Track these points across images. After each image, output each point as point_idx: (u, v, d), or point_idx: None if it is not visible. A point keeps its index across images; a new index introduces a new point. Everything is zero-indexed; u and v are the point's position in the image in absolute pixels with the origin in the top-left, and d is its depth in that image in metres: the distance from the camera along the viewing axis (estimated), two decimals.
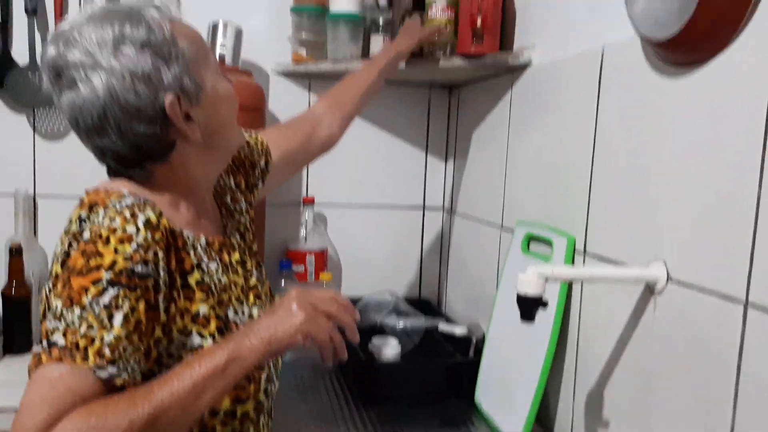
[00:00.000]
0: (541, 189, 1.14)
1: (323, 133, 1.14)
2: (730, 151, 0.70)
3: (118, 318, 0.65)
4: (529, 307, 0.78)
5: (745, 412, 0.67)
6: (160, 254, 0.71)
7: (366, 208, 1.65)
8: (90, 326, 0.63)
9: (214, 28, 1.41)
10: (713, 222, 0.72)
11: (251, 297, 0.85)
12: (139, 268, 0.67)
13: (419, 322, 1.37)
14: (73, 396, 0.60)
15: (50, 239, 1.45)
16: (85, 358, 0.62)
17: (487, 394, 1.15)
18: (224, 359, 0.67)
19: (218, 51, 1.40)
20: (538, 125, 1.15)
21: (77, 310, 0.64)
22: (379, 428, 1.07)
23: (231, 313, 0.79)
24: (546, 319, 1.00)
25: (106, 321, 0.64)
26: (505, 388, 1.09)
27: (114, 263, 0.66)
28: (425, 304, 1.59)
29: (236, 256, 0.86)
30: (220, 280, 0.80)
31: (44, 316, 0.67)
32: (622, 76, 0.90)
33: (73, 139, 0.79)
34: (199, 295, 0.75)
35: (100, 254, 0.66)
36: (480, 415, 1.13)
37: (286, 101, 1.56)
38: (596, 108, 0.96)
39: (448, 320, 1.43)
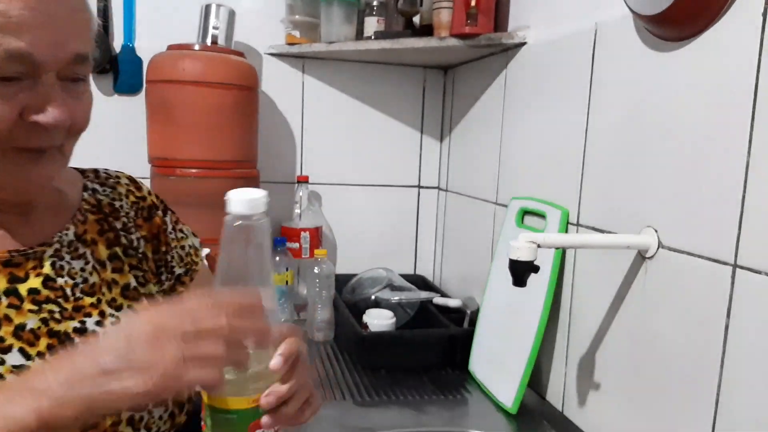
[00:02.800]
0: (535, 165, 1.17)
1: None
2: (719, 120, 0.73)
3: None
4: (520, 272, 0.81)
5: (731, 370, 0.70)
6: None
7: (361, 186, 1.67)
8: None
9: (207, 10, 1.41)
10: (702, 190, 0.75)
11: (42, 343, 0.59)
12: None
13: (414, 295, 1.40)
14: None
15: None
16: None
17: (480, 363, 1.18)
18: None
19: (210, 32, 1.41)
20: (533, 103, 1.18)
21: None
22: (374, 394, 1.10)
23: None
24: (539, 287, 1.03)
25: None
26: (498, 356, 1.12)
27: None
28: (420, 280, 1.62)
29: (34, 283, 0.61)
30: None
31: None
32: (614, 52, 0.93)
33: None
34: None
35: None
36: (474, 383, 1.17)
37: (280, 82, 1.58)
38: (590, 84, 0.99)
39: (443, 295, 1.46)
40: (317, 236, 1.57)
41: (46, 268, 0.62)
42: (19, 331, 0.58)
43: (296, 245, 1.54)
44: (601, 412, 0.95)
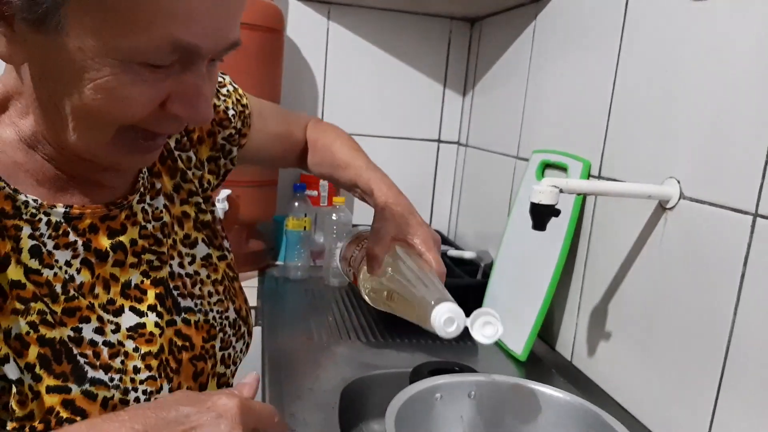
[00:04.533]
0: (559, 118, 1.16)
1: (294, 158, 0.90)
2: (748, 70, 0.72)
3: None
4: (541, 216, 0.81)
5: (743, 319, 0.71)
6: None
7: (381, 138, 1.68)
8: None
9: None
10: (728, 140, 0.74)
11: (150, 296, 0.57)
12: None
13: None
14: None
15: None
16: None
17: None
18: None
19: None
20: (561, 55, 1.17)
21: None
22: (387, 337, 1.12)
23: (89, 331, 0.51)
24: (556, 237, 1.04)
25: None
26: (511, 306, 1.14)
27: None
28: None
29: (133, 233, 0.57)
30: (72, 277, 0.51)
31: None
32: (648, 1, 0.91)
33: None
34: (12, 303, 0.47)
35: None
36: None
37: (305, 28, 1.57)
38: (621, 34, 0.97)
39: (458, 248, 1.48)
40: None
41: (139, 216, 0.58)
42: (125, 290, 0.55)
43: (315, 193, 1.56)
44: (610, 362, 0.96)
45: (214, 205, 0.71)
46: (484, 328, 0.57)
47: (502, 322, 0.57)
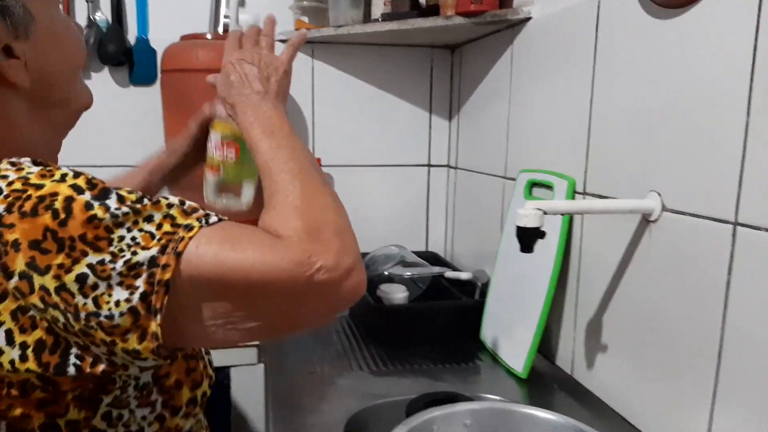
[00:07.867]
0: (542, 138, 1.19)
1: None
2: (720, 83, 0.75)
3: None
4: (527, 238, 0.83)
5: (732, 324, 0.73)
6: None
7: (372, 167, 1.71)
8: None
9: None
10: (704, 151, 0.77)
11: None
12: None
13: (426, 270, 1.43)
14: None
15: None
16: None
17: (491, 331, 1.21)
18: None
19: (222, 21, 1.45)
20: (539, 77, 1.20)
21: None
22: (389, 364, 1.14)
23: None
24: (548, 255, 1.06)
25: None
26: (508, 324, 1.15)
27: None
28: (432, 256, 1.65)
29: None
30: None
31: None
32: (617, 22, 0.94)
33: None
34: None
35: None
36: (485, 351, 1.20)
37: None
38: (594, 54, 1.00)
39: (455, 269, 1.49)
40: None
41: None
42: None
43: None
44: (609, 374, 0.98)
45: None
46: None
47: None
